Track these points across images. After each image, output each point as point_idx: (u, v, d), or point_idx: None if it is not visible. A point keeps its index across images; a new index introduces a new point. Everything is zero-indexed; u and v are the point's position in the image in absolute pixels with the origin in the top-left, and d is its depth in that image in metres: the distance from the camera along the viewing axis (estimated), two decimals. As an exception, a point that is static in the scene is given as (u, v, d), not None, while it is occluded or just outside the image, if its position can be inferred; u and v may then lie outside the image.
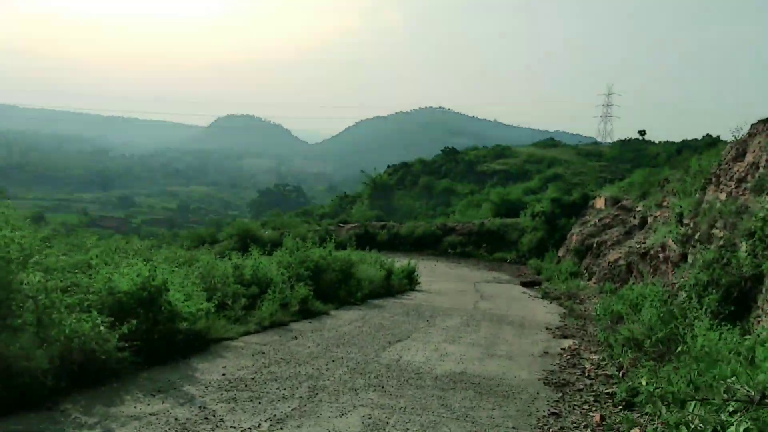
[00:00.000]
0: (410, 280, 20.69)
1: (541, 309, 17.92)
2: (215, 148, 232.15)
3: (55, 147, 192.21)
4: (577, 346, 11.25)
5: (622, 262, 20.95)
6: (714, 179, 13.06)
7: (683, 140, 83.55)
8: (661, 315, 9.10)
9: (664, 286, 12.82)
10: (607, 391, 7.80)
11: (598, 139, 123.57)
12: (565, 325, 14.36)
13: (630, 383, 7.34)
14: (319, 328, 11.15)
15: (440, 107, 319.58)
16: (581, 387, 8.12)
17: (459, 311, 15.36)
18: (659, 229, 19.39)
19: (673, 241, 13.50)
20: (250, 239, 31.65)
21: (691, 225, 13.01)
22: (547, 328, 13.46)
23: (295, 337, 10.02)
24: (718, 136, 75.47)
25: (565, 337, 12.45)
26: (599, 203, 28.55)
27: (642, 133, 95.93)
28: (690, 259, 12.02)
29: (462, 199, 62.45)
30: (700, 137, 79.47)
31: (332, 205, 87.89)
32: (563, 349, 11.03)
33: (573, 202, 30.64)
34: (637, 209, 24.48)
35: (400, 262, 21.54)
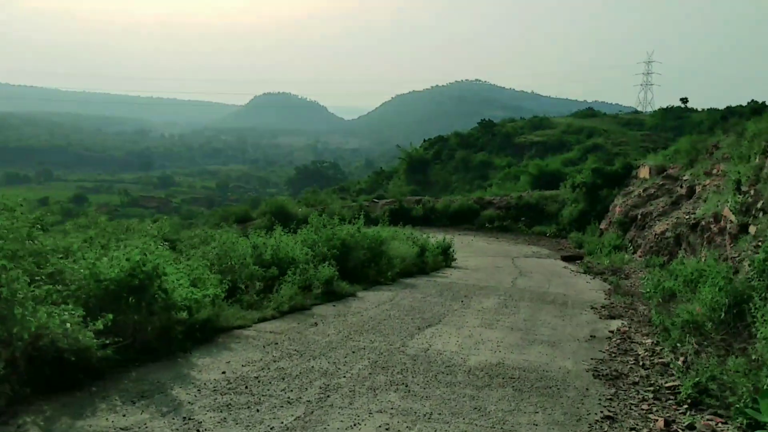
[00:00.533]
0: (445, 257, 19.68)
1: (584, 285, 16.76)
2: (252, 126, 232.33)
3: (96, 129, 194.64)
4: (626, 329, 10.13)
5: (669, 234, 19.60)
6: (779, 141, 11.71)
7: (727, 107, 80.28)
8: (727, 294, 7.93)
9: (721, 260, 11.58)
10: (667, 384, 6.71)
11: (639, 109, 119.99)
12: (612, 303, 13.20)
13: (696, 377, 6.24)
14: (343, 312, 10.22)
15: (476, 80, 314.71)
16: (636, 379, 7.03)
17: (496, 290, 14.29)
18: (710, 198, 17.98)
19: (730, 210, 12.19)
20: (284, 216, 31.17)
21: (752, 193, 11.70)
22: (592, 308, 12.34)
23: (315, 324, 9.11)
24: (764, 102, 72.30)
25: (613, 317, 11.32)
26: (643, 173, 27.03)
27: (684, 100, 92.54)
28: (752, 231, 10.74)
29: (499, 172, 60.90)
30: (744, 103, 76.22)
31: (368, 180, 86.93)
32: (611, 331, 9.92)
33: (615, 172, 29.12)
34: (684, 178, 23.01)
35: (435, 237, 20.51)
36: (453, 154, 79.19)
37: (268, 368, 6.80)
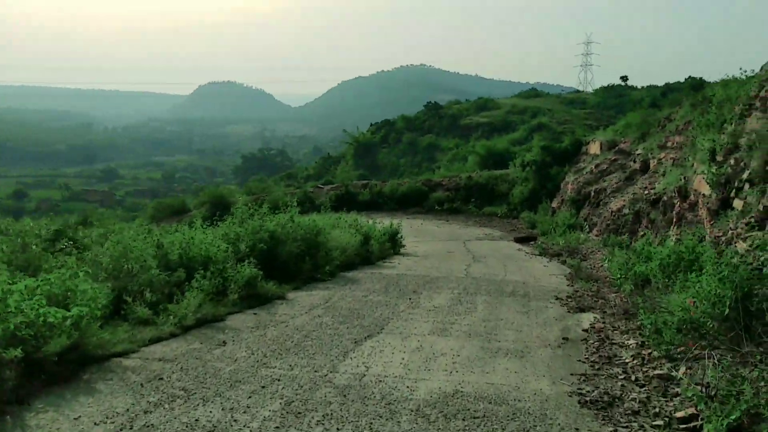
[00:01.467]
0: (393, 244, 17.87)
1: (543, 270, 15.16)
2: (199, 116, 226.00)
3: (38, 123, 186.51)
4: (602, 325, 8.46)
5: (627, 210, 18.17)
6: (760, 104, 10.15)
7: (666, 83, 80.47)
8: (732, 286, 6.25)
9: (700, 239, 10.03)
10: (679, 414, 4.97)
11: (580, 89, 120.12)
12: (577, 291, 11.57)
13: (728, 409, 4.49)
14: (264, 322, 8.21)
15: (421, 64, 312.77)
16: (636, 407, 5.29)
17: (449, 281, 12.51)
18: (671, 171, 16.58)
19: (707, 183, 10.63)
20: (223, 206, 28.88)
21: (731, 162, 10.14)
22: (557, 298, 10.67)
23: (224, 343, 7.07)
24: (701, 78, 72.46)
25: (582, 309, 9.65)
26: (593, 148, 25.66)
27: (624, 78, 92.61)
28: (738, 205, 9.16)
29: (447, 154, 59.46)
30: (682, 80, 76.36)
31: (316, 166, 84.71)
32: (585, 330, 8.23)
33: (565, 149, 27.72)
34: (637, 152, 21.67)
35: (382, 223, 18.69)
36: (400, 138, 77.53)
37: (130, 427, 4.78)
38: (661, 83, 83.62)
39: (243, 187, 41.63)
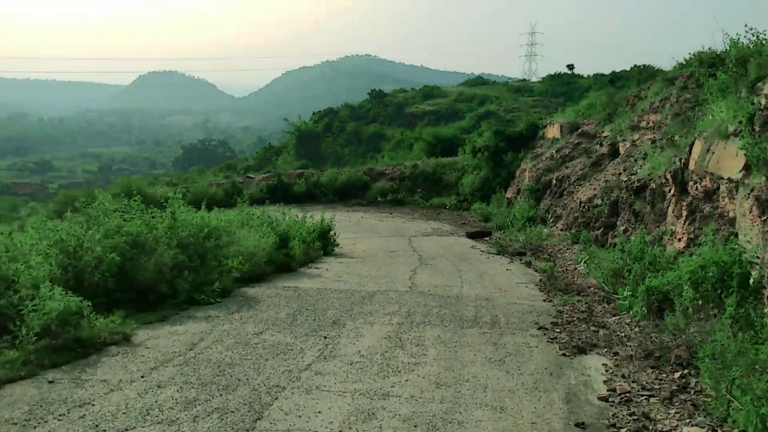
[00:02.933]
0: (325, 243, 14.57)
1: (506, 275, 12.04)
2: (138, 107, 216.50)
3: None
4: (625, 385, 5.25)
5: (600, 201, 15.16)
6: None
7: (613, 71, 78.89)
8: None
9: (732, 238, 6.94)
10: None
11: (525, 79, 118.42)
12: (561, 312, 8.39)
13: None
14: (56, 405, 4.71)
15: (366, 55, 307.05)
16: None
17: (387, 300, 9.21)
18: (654, 154, 13.61)
19: (750, 160, 7.51)
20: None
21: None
22: (537, 325, 7.48)
23: None
24: (647, 64, 70.96)
25: (581, 350, 6.46)
26: (552, 132, 22.69)
27: (570, 67, 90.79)
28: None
29: (392, 143, 56.30)
30: (628, 68, 74.82)
31: (257, 157, 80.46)
32: (605, 399, 5.02)
33: (520, 133, 24.69)
34: (604, 134, 18.77)
35: (313, 217, 15.41)
36: (344, 127, 73.97)
37: None
38: (607, 71, 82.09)
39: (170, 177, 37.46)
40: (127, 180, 25.86)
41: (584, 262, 12.21)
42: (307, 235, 13.79)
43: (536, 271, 12.55)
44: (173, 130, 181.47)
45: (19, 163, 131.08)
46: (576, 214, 15.94)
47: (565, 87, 74.67)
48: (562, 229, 16.47)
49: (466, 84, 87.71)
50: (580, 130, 20.61)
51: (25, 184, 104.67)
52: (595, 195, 15.58)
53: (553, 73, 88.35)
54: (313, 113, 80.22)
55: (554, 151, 20.64)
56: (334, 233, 15.49)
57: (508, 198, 22.26)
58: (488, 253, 15.29)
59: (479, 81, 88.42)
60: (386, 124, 70.62)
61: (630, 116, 18.27)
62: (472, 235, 18.28)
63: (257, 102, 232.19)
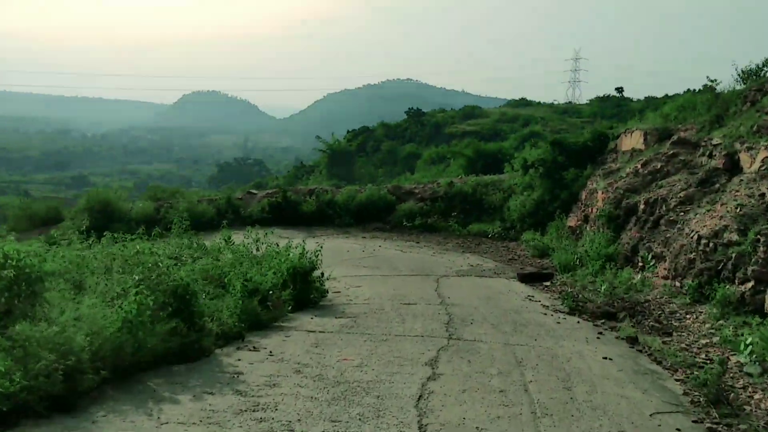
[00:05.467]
0: (305, 288, 9.35)
1: (608, 372, 6.54)
2: (181, 125, 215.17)
3: (13, 129, 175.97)
4: None
5: (735, 236, 9.55)
6: None
7: (665, 95, 72.48)
8: None
9: None
10: None
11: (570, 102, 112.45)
12: None
13: None
14: None
15: (408, 79, 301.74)
16: None
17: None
18: None
19: None
20: (108, 215, 20.22)
21: None
22: None
23: None
24: (695, 89, 64.62)
25: None
26: (631, 142, 17.05)
27: (620, 90, 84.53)
28: None
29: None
30: (680, 92, 68.56)
31: (289, 175, 76.12)
32: None
33: (584, 144, 19.09)
34: (714, 142, 13.13)
35: (296, 246, 10.27)
36: (379, 146, 69.10)
37: None
38: (659, 95, 75.76)
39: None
40: (96, 192, 20.93)
41: (752, 358, 6.55)
42: (267, 280, 8.49)
43: (655, 361, 6.98)
44: (213, 149, 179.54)
45: (57, 178, 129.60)
46: (692, 255, 10.29)
47: (615, 109, 68.58)
48: (667, 277, 10.82)
49: (509, 105, 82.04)
50: (674, 138, 14.96)
51: (55, 198, 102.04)
52: (726, 227, 9.92)
53: (601, 95, 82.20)
54: (347, 131, 75.63)
55: (638, 166, 15.01)
56: (322, 273, 10.19)
57: (570, 227, 16.67)
58: (555, 310, 9.80)
59: (523, 102, 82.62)
60: (424, 145, 65.58)
61: (753, 116, 12.71)
62: (525, 278, 12.79)
63: (298, 123, 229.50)
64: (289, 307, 8.69)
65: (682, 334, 8.27)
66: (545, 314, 9.61)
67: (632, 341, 7.88)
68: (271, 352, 6.78)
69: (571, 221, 16.90)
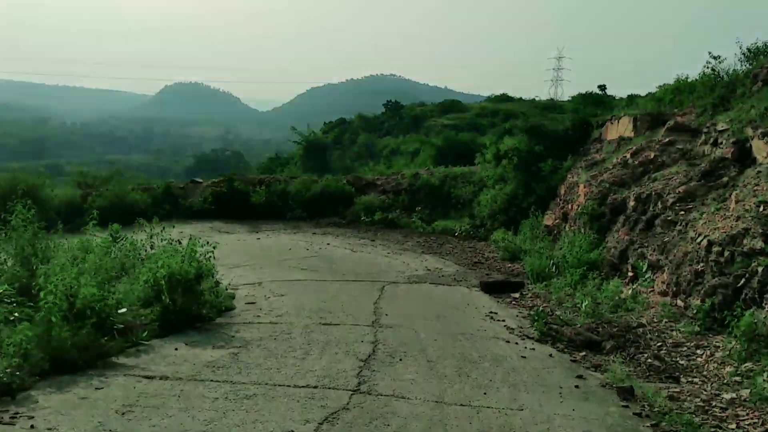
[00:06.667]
0: (187, 303, 6.73)
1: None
2: (162, 116, 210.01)
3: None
4: None
5: (761, 243, 7.08)
6: None
7: (648, 93, 70.31)
8: None
9: None
10: None
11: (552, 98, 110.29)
12: None
13: None
14: None
15: (392, 74, 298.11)
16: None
17: None
18: None
19: None
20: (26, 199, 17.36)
21: None
22: None
23: None
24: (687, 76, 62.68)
25: None
26: (617, 129, 14.62)
27: (602, 87, 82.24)
28: None
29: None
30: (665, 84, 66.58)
31: (263, 168, 73.22)
32: None
33: (565, 132, 16.65)
34: (719, 128, 10.73)
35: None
36: (355, 139, 66.47)
37: None
38: (642, 92, 73.66)
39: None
40: (11, 176, 18.05)
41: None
42: (113, 295, 5.88)
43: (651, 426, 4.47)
44: (194, 140, 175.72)
45: (31, 166, 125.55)
46: (699, 266, 7.83)
47: (597, 106, 66.34)
48: (666, 293, 8.35)
49: (490, 100, 79.53)
50: (670, 124, 12.54)
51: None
52: (746, 231, 7.46)
53: (583, 92, 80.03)
54: (324, 123, 72.85)
55: (627, 155, 12.58)
56: (217, 282, 7.61)
57: (547, 226, 14.21)
58: (522, 335, 7.30)
59: (504, 97, 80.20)
60: (401, 138, 63.16)
61: (766, 98, 10.35)
62: (490, 288, 10.32)
63: (280, 116, 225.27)
64: (144, 333, 6.08)
65: (694, 379, 5.81)
66: (508, 342, 7.11)
67: (625, 393, 5.37)
68: (33, 426, 4.18)
69: (548, 219, 14.46)
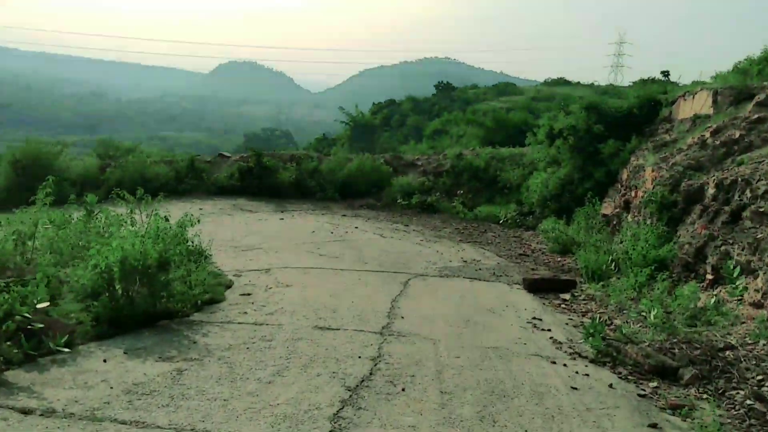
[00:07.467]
0: (152, 296, 5.29)
1: None
2: (216, 94, 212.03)
3: (49, 90, 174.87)
4: None
5: None
6: None
7: (713, 77, 66.36)
8: None
9: None
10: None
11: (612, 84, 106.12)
12: None
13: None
14: None
15: (446, 57, 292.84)
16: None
17: None
18: None
19: None
20: (41, 171, 16.46)
21: None
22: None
23: None
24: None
25: None
26: (693, 106, 12.58)
27: (665, 73, 78.22)
28: None
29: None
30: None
31: (310, 147, 72.37)
32: None
33: (629, 111, 14.60)
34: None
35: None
36: (404, 121, 64.75)
37: None
38: (707, 78, 69.66)
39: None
40: (29, 144, 17.00)
41: None
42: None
43: None
44: (246, 119, 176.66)
45: (86, 140, 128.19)
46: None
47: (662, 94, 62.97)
48: (761, 305, 6.51)
49: (546, 83, 76.44)
50: (759, 98, 10.50)
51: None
52: None
53: (645, 78, 76.21)
54: (373, 104, 71.26)
55: (706, 135, 10.60)
56: (188, 271, 6.14)
57: (605, 215, 12.37)
58: (572, 352, 5.63)
59: (561, 81, 77.02)
60: (452, 120, 61.19)
61: None
62: (535, 286, 8.64)
63: (332, 98, 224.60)
64: (64, 338, 4.63)
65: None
66: (554, 362, 5.45)
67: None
68: None
69: (606, 208, 12.61)
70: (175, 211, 12.07)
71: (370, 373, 4.66)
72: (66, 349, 4.59)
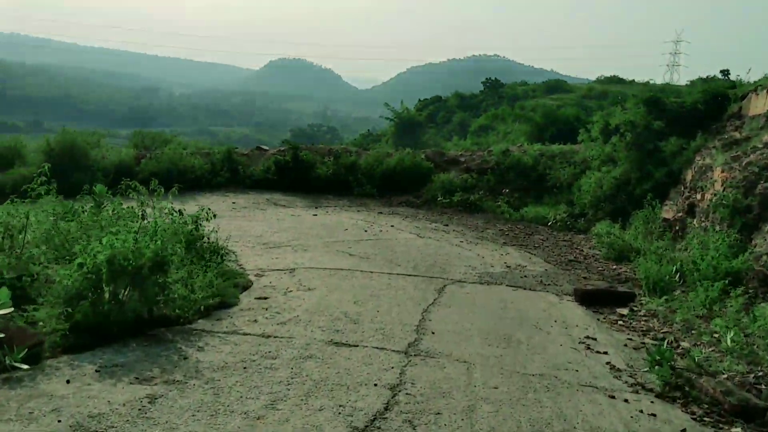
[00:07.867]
0: (146, 299, 4.47)
1: None
2: (264, 90, 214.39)
3: (104, 83, 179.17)
4: None
5: None
6: None
7: (781, 77, 63.16)
8: None
9: None
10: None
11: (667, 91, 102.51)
12: None
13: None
14: None
15: (495, 55, 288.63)
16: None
17: None
18: None
19: None
20: (74, 161, 16.19)
21: None
22: None
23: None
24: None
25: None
26: (763, 103, 11.27)
27: (725, 72, 75.02)
28: None
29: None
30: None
31: (354, 143, 71.91)
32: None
33: (693, 106, 13.32)
34: None
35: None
36: (450, 117, 63.57)
37: None
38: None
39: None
40: (65, 133, 16.60)
41: None
42: None
43: None
44: (293, 115, 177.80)
45: (137, 134, 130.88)
46: None
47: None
48: None
49: (599, 81, 74.06)
50: None
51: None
52: None
53: (704, 77, 73.20)
54: (419, 100, 70.25)
55: (788, 132, 9.36)
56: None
57: (667, 219, 11.22)
58: (634, 382, 4.62)
59: (614, 79, 74.52)
60: (499, 117, 59.80)
61: None
62: (587, 297, 7.61)
63: (379, 95, 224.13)
64: (21, 354, 3.89)
65: None
66: (612, 396, 4.49)
67: None
68: None
69: (668, 212, 11.45)
70: (206, 203, 11.35)
71: (385, 409, 3.80)
72: (25, 366, 3.86)
